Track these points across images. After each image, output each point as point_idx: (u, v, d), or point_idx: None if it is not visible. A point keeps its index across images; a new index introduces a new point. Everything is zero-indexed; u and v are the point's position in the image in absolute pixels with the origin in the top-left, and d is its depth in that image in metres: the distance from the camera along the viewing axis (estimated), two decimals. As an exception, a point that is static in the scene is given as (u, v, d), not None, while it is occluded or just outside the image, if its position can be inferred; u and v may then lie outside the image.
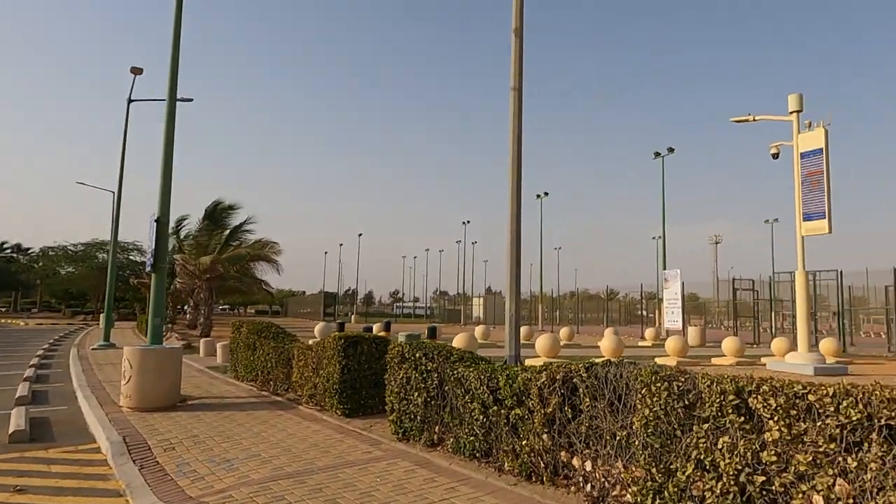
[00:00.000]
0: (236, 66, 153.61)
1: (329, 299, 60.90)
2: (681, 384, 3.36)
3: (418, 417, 5.41)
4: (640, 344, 21.57)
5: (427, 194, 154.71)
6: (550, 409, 4.11)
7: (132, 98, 18.01)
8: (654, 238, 60.21)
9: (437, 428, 5.26)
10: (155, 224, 8.54)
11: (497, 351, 14.17)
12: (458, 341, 11.87)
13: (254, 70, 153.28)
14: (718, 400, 3.16)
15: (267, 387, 9.01)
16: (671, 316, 24.80)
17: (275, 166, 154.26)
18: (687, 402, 3.31)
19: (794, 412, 2.88)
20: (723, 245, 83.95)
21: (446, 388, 5.12)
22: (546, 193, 39.11)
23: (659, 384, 3.43)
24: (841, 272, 19.10)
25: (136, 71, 17.14)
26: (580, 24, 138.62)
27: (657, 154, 29.17)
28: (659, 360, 13.75)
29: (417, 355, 5.50)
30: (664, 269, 27.94)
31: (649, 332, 22.43)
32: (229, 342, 11.16)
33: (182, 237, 26.42)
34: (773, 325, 22.63)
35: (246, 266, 24.75)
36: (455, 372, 5.01)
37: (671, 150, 28.64)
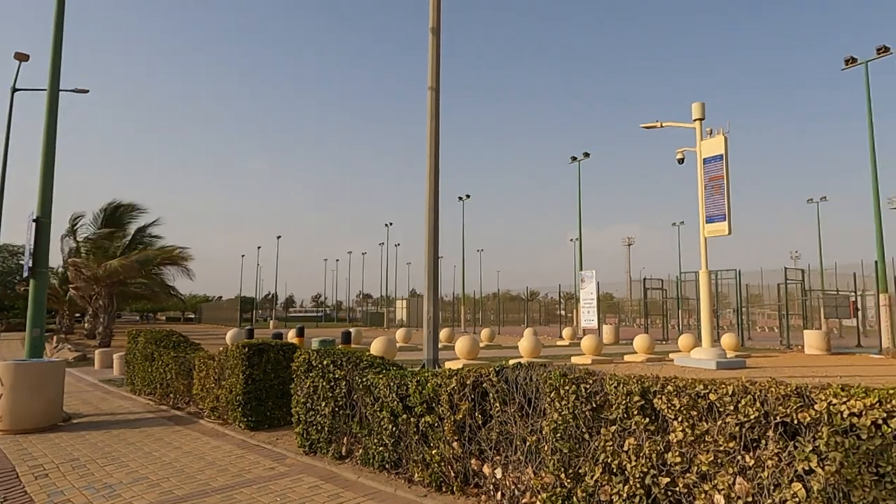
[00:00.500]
0: (146, 62, 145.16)
1: (246, 304, 58.63)
2: (589, 386, 3.30)
3: (326, 429, 5.12)
4: (559, 343, 22.09)
5: (349, 196, 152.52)
6: (461, 416, 3.96)
7: (16, 87, 16.39)
8: (571, 240, 62.33)
9: (345, 439, 4.99)
10: (34, 224, 7.69)
11: (417, 354, 13.99)
12: (377, 346, 11.59)
13: (164, 67, 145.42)
14: (624, 402, 3.11)
15: (166, 400, 8.36)
16: (587, 315, 25.63)
17: (188, 167, 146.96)
18: (595, 405, 3.25)
19: (696, 412, 2.87)
20: (636, 247, 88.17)
21: (355, 396, 4.86)
22: (468, 196, 39.50)
23: (567, 387, 3.36)
24: (739, 272, 20.43)
25: (21, 57, 15.62)
26: (505, 29, 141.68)
27: (574, 158, 30.10)
28: (575, 360, 14.08)
29: (325, 362, 5.20)
30: (580, 269, 28.86)
31: (567, 332, 23.03)
32: (125, 353, 10.31)
33: (80, 239, 24.39)
34: (680, 321, 23.87)
35: (151, 271, 23.17)
36: (364, 379, 4.76)
37: (587, 154, 29.65)
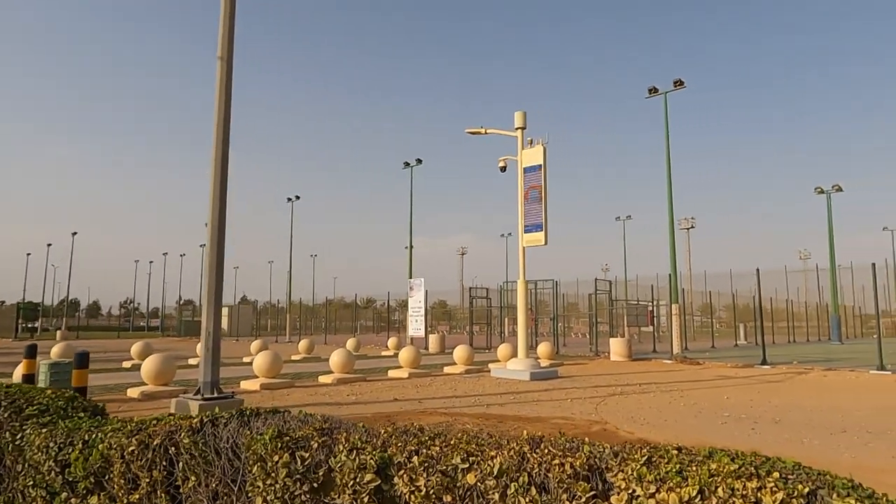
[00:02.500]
0: None
1: (30, 312, 49.82)
2: (306, 457, 2.19)
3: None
4: (383, 353, 21.16)
5: (164, 189, 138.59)
6: (138, 497, 2.63)
7: None
8: (406, 247, 62.43)
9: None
10: None
11: (230, 371, 12.00)
12: (149, 366, 9.53)
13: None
14: (353, 480, 2.05)
15: None
16: (415, 324, 25.08)
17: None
18: (314, 485, 2.16)
19: (450, 498, 1.90)
20: (473, 256, 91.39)
21: (7, 461, 3.26)
22: (297, 197, 37.21)
23: (278, 456, 2.22)
24: (557, 282, 21.26)
25: None
26: (336, 24, 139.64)
27: (406, 164, 29.64)
28: (392, 373, 13.15)
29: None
30: (410, 277, 28.38)
31: (392, 341, 22.22)
32: None
33: None
34: (505, 329, 24.34)
35: None
36: (19, 437, 3.19)
37: (419, 160, 29.35)
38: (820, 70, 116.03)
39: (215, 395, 7.72)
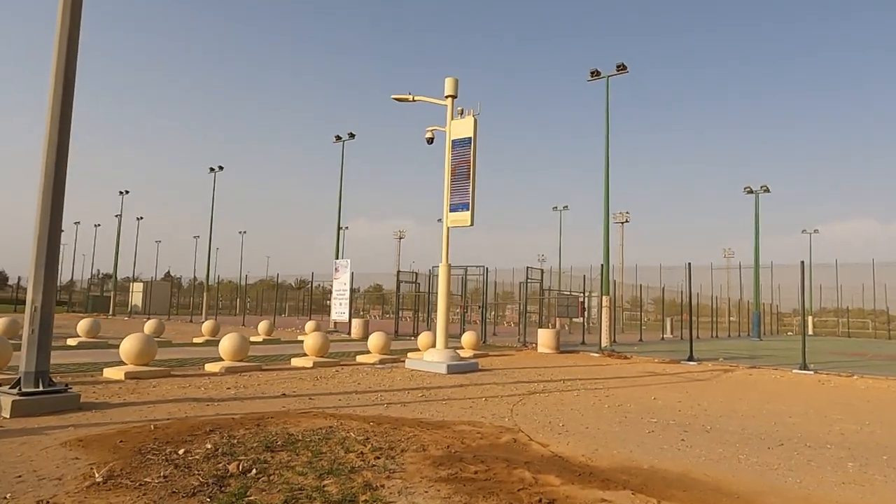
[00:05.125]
0: None
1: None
2: None
3: None
4: (300, 338, 19.61)
5: (79, 153, 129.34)
6: None
7: None
8: (343, 228, 60.46)
9: None
10: None
11: (70, 356, 10.22)
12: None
13: None
14: None
15: None
16: (338, 308, 23.68)
17: None
18: None
19: None
20: (414, 241, 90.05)
21: None
22: (220, 167, 34.59)
23: None
24: (486, 268, 20.32)
25: None
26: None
27: (338, 138, 27.89)
28: (296, 361, 11.77)
29: None
30: (337, 257, 26.84)
31: (309, 325, 20.70)
32: None
33: None
34: (428, 316, 23.26)
35: None
36: None
37: (352, 135, 27.65)
38: (761, 69, 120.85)
39: (40, 388, 6.14)
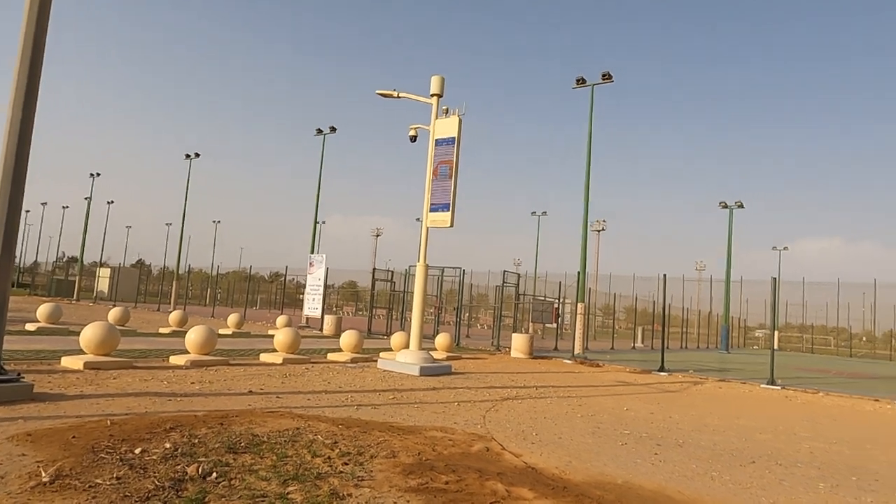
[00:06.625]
0: None
1: None
2: None
3: None
4: (270, 332, 19.24)
5: (49, 131, 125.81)
6: None
7: None
8: (321, 222, 59.83)
9: None
10: None
11: (27, 342, 9.78)
12: None
13: None
14: None
15: None
16: (311, 303, 23.32)
17: None
18: None
19: None
20: (392, 239, 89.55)
21: None
22: (197, 154, 33.86)
23: None
24: (463, 270, 20.20)
25: None
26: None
27: (319, 131, 27.49)
28: (265, 357, 11.49)
29: None
30: (312, 252, 26.45)
31: (281, 320, 20.32)
32: None
33: None
34: (402, 315, 23.06)
35: None
36: None
37: (333, 129, 27.29)
38: (745, 85, 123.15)
39: (-11, 376, 5.80)
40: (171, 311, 21.72)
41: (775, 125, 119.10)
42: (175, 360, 9.84)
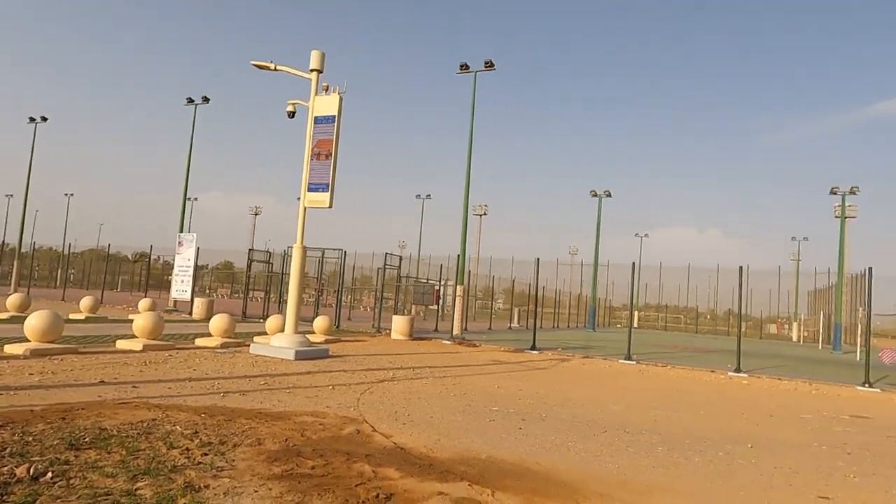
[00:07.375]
0: None
1: None
2: None
3: None
4: (131, 317, 17.74)
5: None
6: None
7: None
8: (192, 199, 55.93)
9: None
10: None
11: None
12: None
13: None
14: None
15: None
16: (180, 285, 21.85)
17: None
18: None
19: None
20: (273, 218, 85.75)
21: None
22: (44, 118, 30.08)
23: None
24: (345, 252, 19.92)
25: None
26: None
27: (190, 100, 25.56)
28: (121, 343, 10.59)
29: None
30: (181, 230, 24.69)
31: (144, 303, 18.82)
32: None
33: None
34: (280, 297, 22.32)
35: None
36: None
37: (206, 98, 25.48)
38: (624, 77, 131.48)
39: None
40: (10, 294, 19.28)
41: (640, 121, 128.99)
42: (11, 349, 8.77)
